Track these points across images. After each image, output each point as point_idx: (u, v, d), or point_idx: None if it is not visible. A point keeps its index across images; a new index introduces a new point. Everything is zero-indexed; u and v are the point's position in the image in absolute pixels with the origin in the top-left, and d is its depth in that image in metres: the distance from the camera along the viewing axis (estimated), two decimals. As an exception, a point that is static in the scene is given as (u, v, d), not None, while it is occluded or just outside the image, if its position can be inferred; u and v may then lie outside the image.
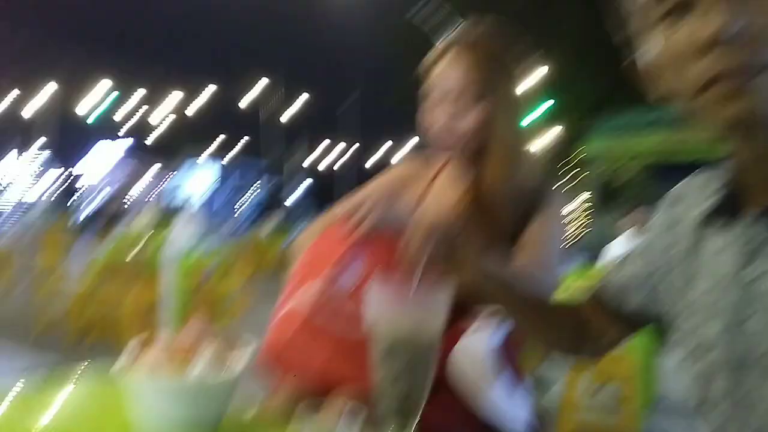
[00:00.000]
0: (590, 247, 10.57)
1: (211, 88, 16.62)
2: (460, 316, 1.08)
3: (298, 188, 24.10)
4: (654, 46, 0.65)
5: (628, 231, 6.26)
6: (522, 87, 1.21)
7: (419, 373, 0.74)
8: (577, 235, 15.56)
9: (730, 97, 0.59)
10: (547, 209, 1.18)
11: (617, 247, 6.31)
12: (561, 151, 16.08)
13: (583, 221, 15.07)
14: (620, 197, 16.46)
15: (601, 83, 13.74)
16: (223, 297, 5.65)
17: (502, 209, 1.17)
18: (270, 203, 19.66)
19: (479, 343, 1.09)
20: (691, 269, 0.75)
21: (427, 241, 0.78)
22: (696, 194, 0.79)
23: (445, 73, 1.18)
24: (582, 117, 13.02)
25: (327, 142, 24.78)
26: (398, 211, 1.12)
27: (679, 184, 0.84)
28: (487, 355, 1.08)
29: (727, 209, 0.71)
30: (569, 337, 0.94)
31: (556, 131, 15.19)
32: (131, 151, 25.81)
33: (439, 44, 1.20)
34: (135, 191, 21.22)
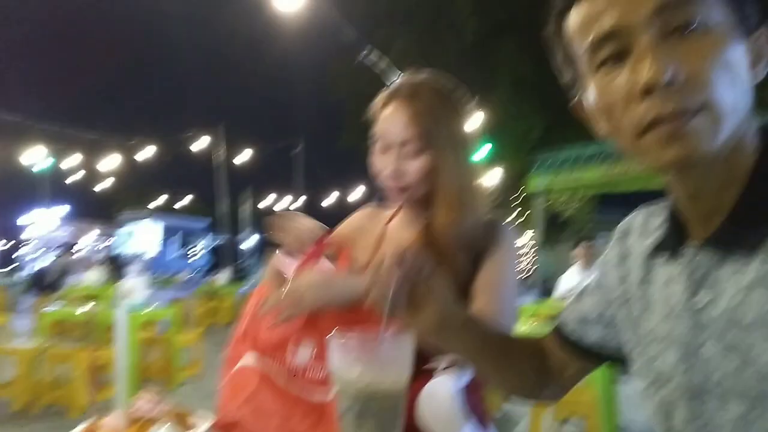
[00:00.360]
0: (541, 281, 10.82)
1: (155, 143, 16.38)
2: (422, 360, 1.06)
3: (248, 240, 23.72)
4: (593, 92, 0.67)
5: (575, 265, 6.43)
6: (465, 131, 1.23)
7: (388, 424, 0.72)
8: (528, 270, 15.83)
9: (667, 141, 0.61)
10: (499, 249, 1.19)
11: (567, 281, 6.46)
12: (506, 189, 16.48)
13: (531, 256, 15.37)
14: (566, 230, 16.96)
15: (542, 120, 14.28)
16: (178, 351, 5.48)
17: (453, 254, 1.18)
18: (221, 256, 19.27)
19: (445, 387, 1.09)
20: (645, 300, 0.77)
21: (388, 285, 0.75)
22: (642, 228, 0.82)
23: (388, 124, 1.20)
24: (524, 154, 13.45)
25: (274, 194, 24.67)
26: (338, 292, 1.15)
27: (627, 218, 0.87)
28: (454, 400, 1.08)
29: (671, 242, 0.73)
30: (531, 376, 0.93)
31: (500, 171, 15.58)
32: (76, 209, 25.04)
33: (381, 95, 1.23)
34: (81, 248, 20.46)
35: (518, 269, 1.22)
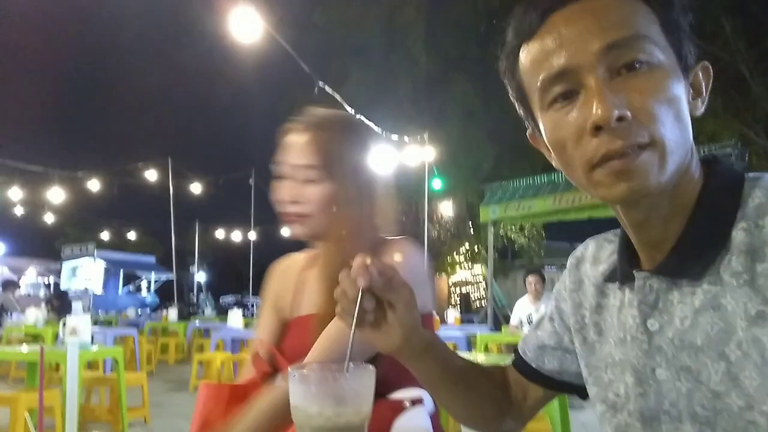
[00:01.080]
0: (494, 311, 10.94)
1: (102, 175, 15.93)
2: (384, 390, 1.07)
3: (196, 276, 23.19)
4: (546, 127, 0.70)
5: (525, 296, 6.52)
6: (366, 164, 1.23)
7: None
8: (480, 299, 16.02)
9: (617, 176, 0.63)
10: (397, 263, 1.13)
11: (519, 311, 6.54)
12: (459, 221, 16.70)
13: (483, 285, 15.57)
14: (517, 258, 17.24)
15: (492, 153, 14.60)
16: (125, 391, 5.25)
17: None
18: (170, 291, 18.75)
19: (419, 422, 1.08)
20: (599, 326, 0.80)
21: (354, 298, 0.73)
22: (594, 256, 0.85)
23: (289, 151, 1.21)
24: (475, 186, 13.70)
25: (225, 228, 24.27)
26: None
27: (579, 247, 0.90)
28: None
29: (623, 269, 0.76)
30: (491, 407, 0.93)
31: (451, 203, 15.81)
32: (16, 245, 23.98)
33: (288, 124, 1.24)
34: (22, 285, 19.54)
35: (425, 274, 1.20)
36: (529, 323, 6.29)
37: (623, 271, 0.75)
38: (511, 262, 17.25)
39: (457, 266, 16.84)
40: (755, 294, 0.61)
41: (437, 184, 11.38)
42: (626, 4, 0.65)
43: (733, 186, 0.67)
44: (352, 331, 0.74)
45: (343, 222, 1.18)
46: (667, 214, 0.68)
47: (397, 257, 1.16)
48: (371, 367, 0.72)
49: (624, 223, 0.74)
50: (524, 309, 6.47)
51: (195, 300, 20.64)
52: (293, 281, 1.33)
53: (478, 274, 16.46)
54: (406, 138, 10.09)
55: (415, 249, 1.20)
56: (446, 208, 16.38)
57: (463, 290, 16.70)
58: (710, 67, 0.70)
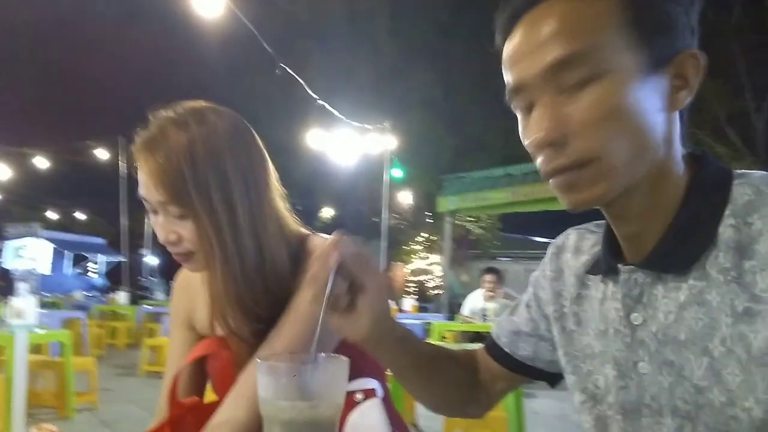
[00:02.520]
0: (449, 300, 11.06)
1: (50, 152, 15.34)
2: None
3: (148, 259, 22.64)
4: (519, 129, 0.71)
5: (481, 290, 6.57)
6: (231, 169, 0.98)
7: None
8: (435, 288, 16.17)
9: (564, 190, 0.66)
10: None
11: (472, 302, 6.61)
12: (418, 210, 16.80)
13: (439, 275, 15.72)
14: (474, 249, 17.46)
15: (451, 145, 14.69)
16: (72, 375, 5.10)
17: (254, 303, 1.02)
18: (120, 274, 18.27)
19: (374, 416, 1.05)
20: (579, 317, 0.80)
21: (326, 280, 0.70)
22: (576, 246, 0.85)
23: (141, 183, 0.99)
24: (435, 177, 13.77)
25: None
26: None
27: (560, 236, 0.90)
28: (384, 427, 1.05)
29: (606, 261, 0.76)
30: (459, 391, 0.93)
31: (410, 192, 15.85)
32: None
33: (135, 143, 1.00)
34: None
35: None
36: (481, 317, 6.37)
37: (607, 264, 0.75)
38: (467, 252, 17.44)
39: (414, 255, 16.95)
40: (742, 291, 0.62)
41: (397, 173, 11.40)
42: (586, 6, 0.63)
43: (721, 182, 0.68)
44: (321, 319, 0.70)
45: (219, 254, 0.98)
46: (646, 210, 0.69)
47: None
48: (344, 358, 0.70)
49: (607, 217, 0.74)
50: (476, 303, 6.54)
51: (146, 283, 20.15)
52: (206, 294, 1.12)
53: (435, 264, 16.60)
54: (368, 125, 10.05)
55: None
56: (405, 198, 16.42)
57: (420, 279, 16.82)
58: (698, 54, 0.66)
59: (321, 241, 1.07)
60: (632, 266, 0.71)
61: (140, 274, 20.01)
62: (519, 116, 0.70)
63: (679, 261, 0.67)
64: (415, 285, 16.80)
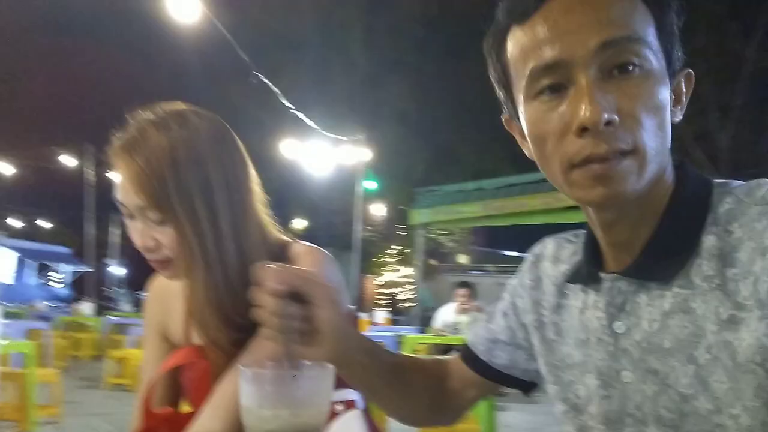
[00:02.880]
0: (421, 312, 11.06)
1: (14, 160, 14.94)
2: None
3: (114, 270, 22.18)
4: (528, 118, 0.68)
5: (453, 303, 6.57)
6: (212, 175, 0.95)
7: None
8: (407, 300, 16.17)
9: (596, 180, 0.63)
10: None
11: (444, 315, 6.60)
12: (391, 223, 16.81)
13: (411, 287, 15.73)
14: (445, 262, 17.53)
15: (425, 158, 14.77)
16: (34, 387, 4.94)
17: (234, 311, 0.99)
18: (83, 286, 17.85)
19: (354, 425, 1.04)
20: (558, 326, 0.80)
21: (276, 318, 0.68)
22: (555, 255, 0.84)
23: (119, 187, 0.95)
24: (408, 189, 13.82)
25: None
26: None
27: (537, 245, 0.89)
28: None
29: (588, 270, 0.75)
30: (427, 402, 0.91)
31: (383, 205, 15.88)
32: None
33: (110, 147, 0.96)
34: None
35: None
36: (452, 330, 6.38)
37: (588, 273, 0.75)
38: (439, 265, 17.51)
39: (386, 268, 16.94)
40: (726, 298, 0.62)
41: (371, 185, 11.40)
42: (626, 2, 0.63)
43: (702, 191, 0.68)
44: (286, 345, 0.68)
45: (201, 261, 0.95)
46: (638, 218, 0.69)
47: (308, 268, 0.98)
48: (331, 366, 0.69)
49: (593, 224, 0.74)
50: (448, 316, 6.54)
51: (112, 294, 19.71)
52: (182, 303, 1.10)
53: (406, 276, 16.61)
54: (342, 137, 10.05)
55: (325, 256, 1.04)
56: (378, 210, 16.42)
57: (391, 292, 16.80)
58: (693, 75, 0.68)
59: (302, 248, 1.04)
60: (615, 275, 0.70)
61: (106, 285, 19.61)
62: (539, 98, 0.66)
63: (664, 269, 0.67)
64: (386, 298, 16.77)
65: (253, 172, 1.05)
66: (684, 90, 0.68)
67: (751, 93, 12.16)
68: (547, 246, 0.87)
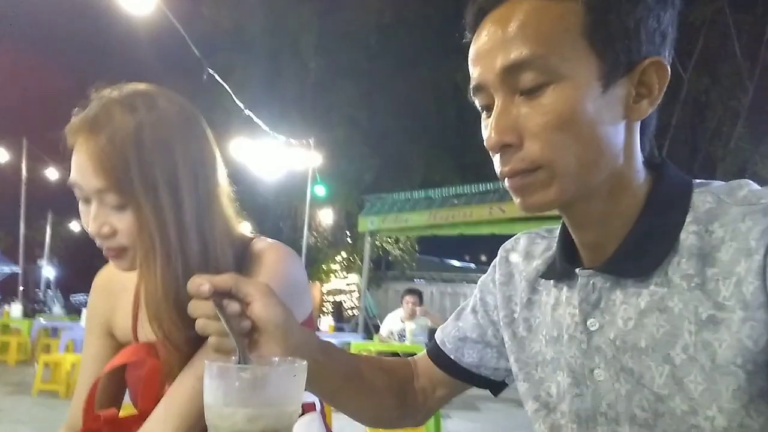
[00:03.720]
0: (365, 320, 11.06)
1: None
2: None
3: (45, 271, 21.21)
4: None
5: (399, 310, 6.58)
6: (179, 161, 0.90)
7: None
8: (352, 308, 16.12)
9: (514, 193, 0.66)
10: (255, 274, 0.96)
11: (390, 322, 6.61)
12: (338, 229, 16.75)
13: (356, 295, 15.69)
14: (391, 270, 17.58)
15: (374, 165, 14.82)
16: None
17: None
18: (11, 287, 16.99)
19: (314, 428, 1.02)
20: (529, 322, 0.79)
21: (219, 329, 0.65)
22: (527, 251, 0.84)
23: (75, 168, 0.90)
24: (356, 196, 13.82)
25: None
26: None
27: (509, 241, 0.89)
28: None
29: (562, 266, 0.75)
30: (391, 404, 0.88)
31: (331, 211, 15.81)
32: None
33: (70, 123, 0.91)
34: None
35: (296, 293, 0.99)
36: (399, 338, 6.40)
37: (563, 269, 0.74)
38: (385, 272, 17.54)
39: (332, 275, 16.84)
40: (706, 298, 0.62)
41: (320, 190, 11.32)
42: (550, 8, 0.62)
43: (681, 190, 0.68)
44: (238, 343, 0.64)
45: (160, 250, 0.89)
46: (605, 217, 0.68)
47: (270, 264, 0.96)
48: (303, 362, 0.64)
49: (567, 223, 0.73)
50: (395, 324, 6.55)
51: (42, 296, 18.82)
52: (129, 297, 1.06)
53: (352, 284, 16.56)
54: (292, 141, 9.93)
55: (288, 252, 1.01)
56: (325, 216, 16.32)
57: (337, 299, 16.71)
58: (662, 61, 0.65)
59: (265, 244, 1.00)
60: (591, 270, 0.70)
61: (37, 287, 18.73)
62: (482, 116, 0.69)
63: (641, 265, 0.66)
64: (332, 305, 16.68)
65: (221, 164, 1.00)
66: (656, 81, 0.65)
67: (685, 114, 12.77)
68: (519, 241, 0.86)
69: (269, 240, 1.02)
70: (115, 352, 1.07)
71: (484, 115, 0.68)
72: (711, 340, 0.60)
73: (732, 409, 0.59)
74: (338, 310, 16.22)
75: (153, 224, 0.88)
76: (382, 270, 17.54)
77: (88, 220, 0.91)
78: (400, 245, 17.12)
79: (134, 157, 0.87)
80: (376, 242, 13.85)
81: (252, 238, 1.03)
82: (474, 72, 0.67)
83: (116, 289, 1.09)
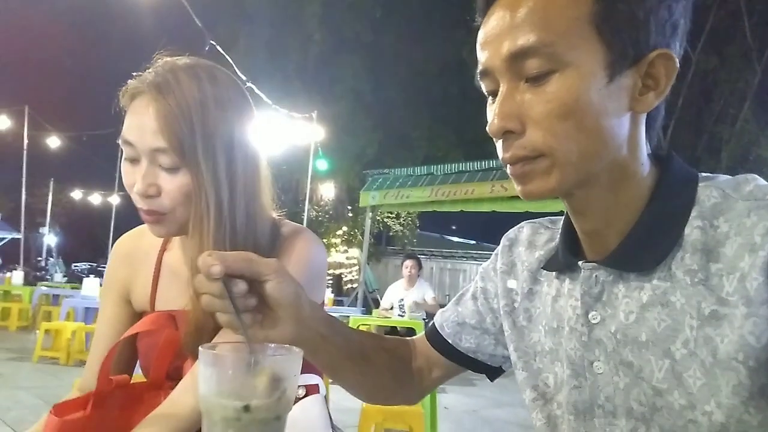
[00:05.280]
0: (364, 293, 11.12)
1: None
2: None
3: (47, 238, 21.26)
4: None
5: (400, 280, 6.68)
6: (239, 136, 0.95)
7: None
8: (352, 282, 16.23)
9: (515, 179, 0.67)
10: (287, 260, 0.98)
11: (391, 294, 6.70)
12: (340, 203, 16.74)
13: (356, 269, 15.78)
14: (392, 245, 17.63)
15: (377, 140, 14.74)
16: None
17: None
18: (13, 254, 17.06)
19: (316, 411, 1.02)
20: (530, 312, 0.79)
21: (226, 303, 0.65)
22: (530, 241, 0.84)
23: (134, 126, 0.92)
24: (359, 171, 13.78)
25: (79, 191, 22.10)
26: None
27: (512, 230, 0.88)
28: (326, 424, 1.02)
29: (564, 258, 0.74)
30: (390, 380, 0.89)
31: (332, 185, 15.77)
32: None
33: (130, 82, 0.94)
34: None
35: (319, 273, 1.03)
36: (399, 308, 6.46)
37: (565, 260, 0.74)
38: (385, 248, 17.60)
39: (333, 249, 16.90)
40: (709, 293, 0.61)
41: (322, 164, 11.29)
42: None
43: (687, 183, 0.67)
44: (242, 329, 0.65)
45: (213, 213, 0.92)
46: (607, 207, 0.68)
47: (299, 250, 1.00)
48: (297, 349, 0.64)
49: (568, 211, 0.73)
50: (397, 293, 6.64)
51: (44, 264, 18.92)
52: (150, 267, 1.08)
53: (353, 258, 16.62)
54: (295, 114, 9.87)
55: (318, 242, 1.04)
56: (327, 190, 16.29)
57: (337, 272, 16.79)
58: (670, 54, 0.64)
59: (295, 228, 1.05)
60: (594, 263, 0.69)
61: (39, 254, 18.81)
62: (488, 101, 0.69)
63: (644, 260, 0.66)
64: (331, 278, 16.77)
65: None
66: (662, 73, 0.64)
67: (692, 95, 12.64)
68: (523, 230, 0.86)
69: (294, 224, 1.06)
70: (130, 320, 1.10)
71: (489, 100, 0.68)
72: (713, 335, 0.60)
73: (731, 405, 0.59)
74: (338, 283, 16.32)
75: (210, 187, 0.92)
76: (382, 245, 17.60)
77: (133, 180, 0.93)
78: (401, 221, 17.14)
79: (199, 121, 0.91)
80: (377, 217, 13.85)
81: (280, 219, 1.06)
82: (481, 56, 0.66)
83: (138, 256, 1.11)
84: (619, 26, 0.61)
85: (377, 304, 8.04)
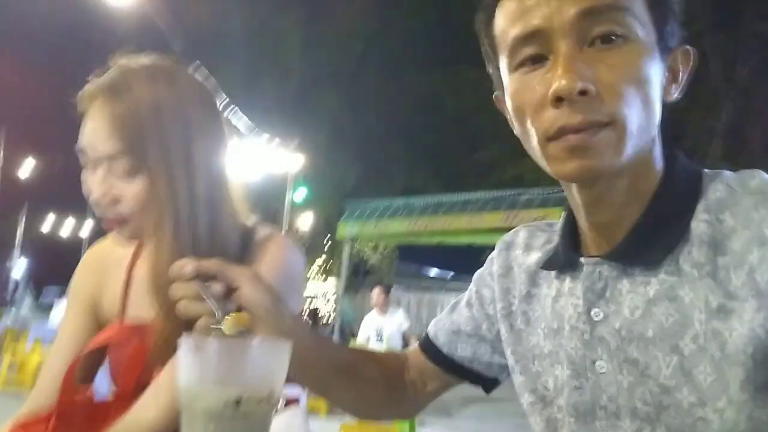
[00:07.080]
0: (341, 326, 11.01)
1: None
2: None
3: (17, 266, 20.78)
4: (510, 91, 0.66)
5: (373, 310, 6.57)
6: (198, 135, 0.90)
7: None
8: (329, 313, 16.07)
9: (572, 152, 0.60)
10: (259, 263, 0.94)
11: (367, 325, 6.60)
12: (317, 234, 16.69)
13: (334, 302, 15.64)
14: (370, 276, 17.58)
15: (355, 171, 14.83)
16: None
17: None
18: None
19: (296, 422, 0.99)
20: (528, 315, 0.77)
21: (204, 309, 0.64)
22: (526, 243, 0.82)
23: (89, 131, 0.89)
24: (337, 202, 13.79)
25: (52, 215, 21.76)
26: None
27: (509, 233, 0.87)
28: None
29: (565, 256, 0.72)
30: (382, 396, 0.87)
31: (311, 216, 15.75)
32: None
33: (86, 87, 0.91)
34: None
35: (293, 283, 0.98)
36: (377, 338, 6.37)
37: (567, 258, 0.72)
38: (363, 279, 17.52)
39: (310, 280, 16.77)
40: (717, 286, 0.60)
41: (300, 195, 11.28)
42: None
43: (692, 178, 0.67)
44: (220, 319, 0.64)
45: (171, 220, 0.89)
46: (624, 199, 0.66)
47: (272, 253, 0.95)
48: (287, 344, 0.61)
49: (575, 205, 0.71)
50: (372, 323, 6.54)
51: (10, 294, 18.41)
52: (121, 276, 1.04)
53: (329, 290, 16.50)
54: (276, 139, 9.89)
55: (289, 242, 0.99)
56: (304, 221, 16.25)
57: (313, 304, 16.62)
58: (692, 52, 0.66)
59: (268, 232, 0.99)
60: (597, 258, 0.68)
61: (6, 283, 18.33)
62: (520, 70, 0.64)
63: (651, 254, 0.64)
64: (308, 310, 16.60)
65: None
66: (681, 68, 0.66)
67: (663, 129, 12.87)
68: (519, 234, 0.84)
69: (272, 230, 1.01)
70: (94, 333, 1.04)
71: (525, 69, 0.64)
72: (721, 329, 0.59)
73: (741, 401, 0.58)
74: (314, 315, 16.14)
75: (165, 193, 0.88)
76: (360, 276, 17.51)
77: (91, 187, 0.89)
78: (379, 252, 17.12)
79: (152, 124, 0.87)
80: (356, 247, 13.81)
81: (256, 224, 1.01)
82: (531, 18, 0.62)
83: (109, 264, 1.06)
84: (666, 15, 0.63)
85: (354, 335, 7.94)
